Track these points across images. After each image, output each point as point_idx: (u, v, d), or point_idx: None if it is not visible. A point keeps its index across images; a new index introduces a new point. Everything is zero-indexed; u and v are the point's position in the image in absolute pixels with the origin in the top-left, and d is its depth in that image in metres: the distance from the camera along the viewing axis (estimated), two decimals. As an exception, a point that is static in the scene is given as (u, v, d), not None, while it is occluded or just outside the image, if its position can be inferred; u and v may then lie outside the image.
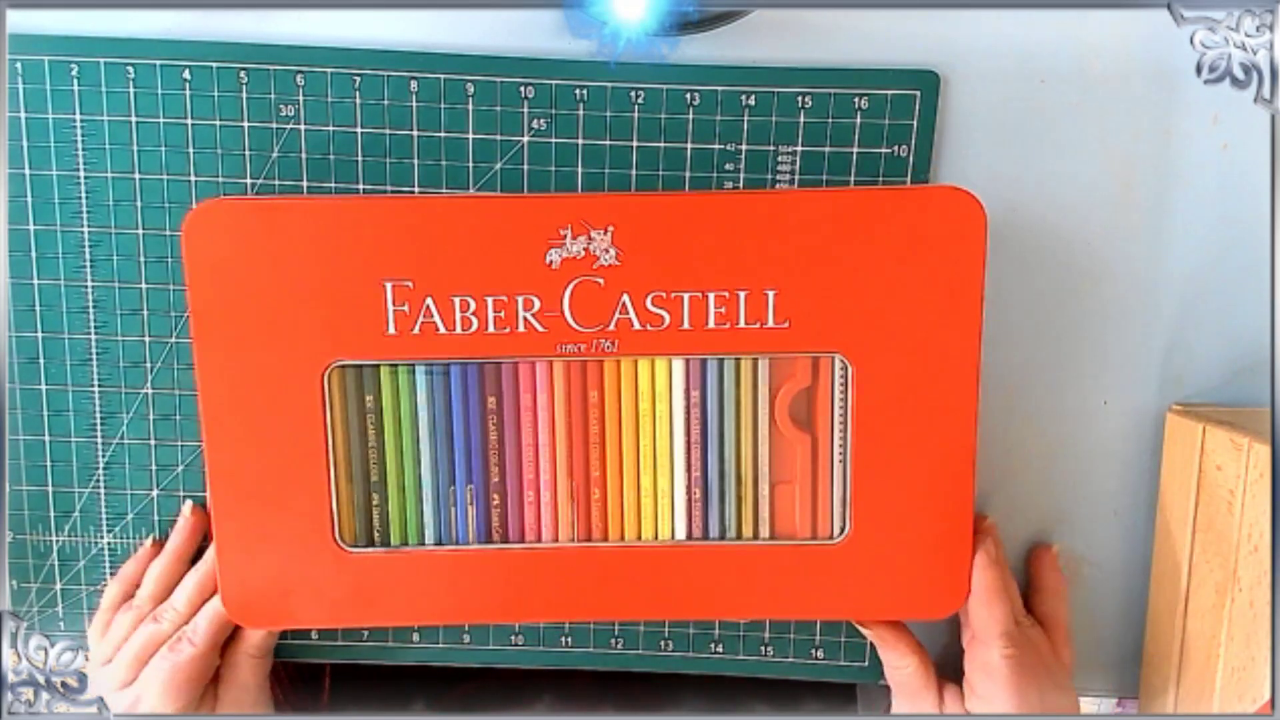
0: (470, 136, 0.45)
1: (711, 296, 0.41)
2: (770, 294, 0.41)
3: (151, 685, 0.43)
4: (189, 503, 0.47)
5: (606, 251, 0.41)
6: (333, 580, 0.43)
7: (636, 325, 0.42)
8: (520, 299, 0.41)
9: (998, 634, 0.42)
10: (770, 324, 0.42)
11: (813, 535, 0.44)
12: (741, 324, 0.42)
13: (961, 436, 0.42)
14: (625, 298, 0.41)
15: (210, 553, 0.44)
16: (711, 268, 0.41)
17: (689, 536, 0.44)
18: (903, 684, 0.45)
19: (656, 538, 0.44)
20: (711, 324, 0.42)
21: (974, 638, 0.43)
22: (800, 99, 0.44)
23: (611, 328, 0.42)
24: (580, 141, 0.45)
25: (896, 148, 0.45)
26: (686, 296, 0.41)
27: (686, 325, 0.42)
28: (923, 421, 0.42)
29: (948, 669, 0.46)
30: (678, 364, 0.43)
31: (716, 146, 0.45)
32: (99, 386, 0.47)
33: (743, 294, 0.41)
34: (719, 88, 0.44)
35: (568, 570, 0.44)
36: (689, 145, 0.45)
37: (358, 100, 0.44)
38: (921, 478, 0.42)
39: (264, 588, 0.43)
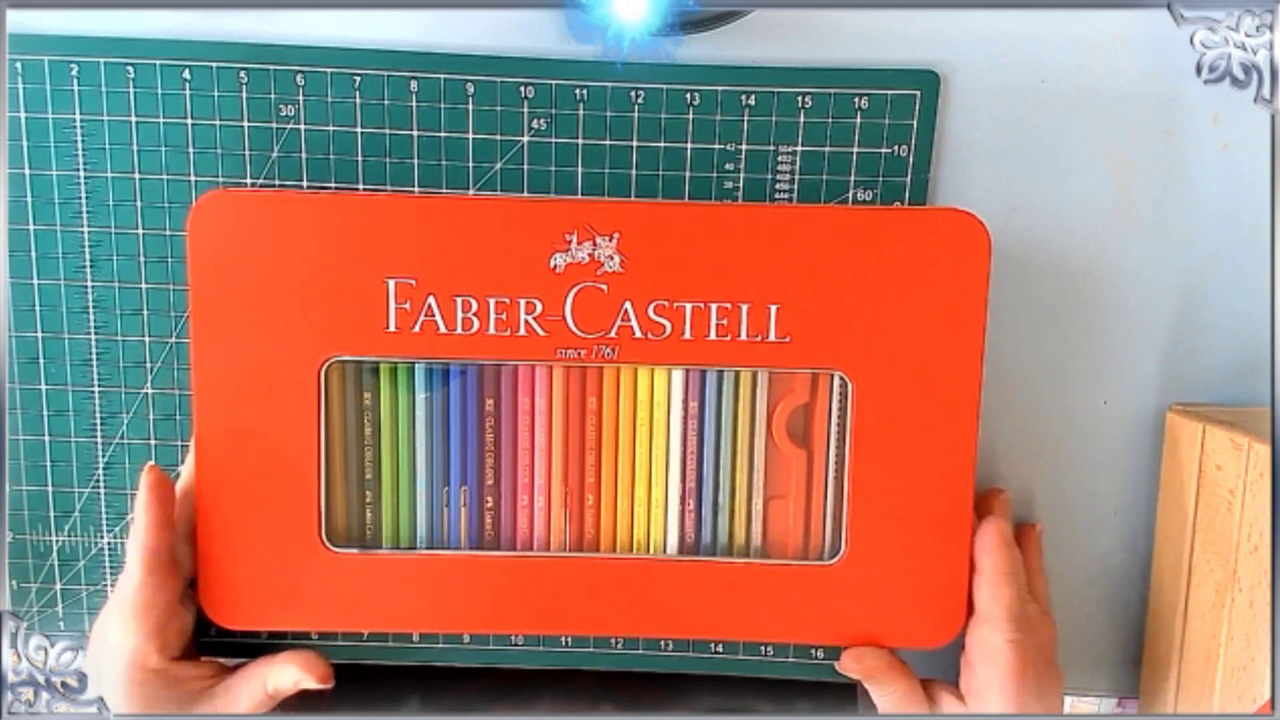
0: (470, 136, 0.45)
1: (714, 308, 0.41)
2: (773, 308, 0.41)
3: (111, 618, 0.41)
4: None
5: (611, 258, 0.41)
6: (318, 581, 0.43)
7: (638, 333, 0.42)
8: (522, 302, 0.41)
9: (1005, 618, 0.41)
10: (771, 338, 0.42)
11: (804, 551, 0.44)
12: (743, 337, 0.42)
13: (960, 459, 0.42)
14: (627, 305, 0.41)
15: (145, 480, 0.42)
16: (715, 279, 0.41)
17: (681, 546, 0.44)
18: (892, 707, 0.44)
19: (649, 546, 0.44)
20: (713, 335, 0.42)
21: (979, 617, 0.43)
22: (800, 99, 0.44)
23: (612, 334, 0.41)
24: (580, 141, 0.45)
25: (896, 148, 0.45)
26: (689, 307, 0.41)
27: (688, 335, 0.41)
28: (921, 443, 0.42)
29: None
30: (677, 374, 0.43)
31: (716, 146, 0.45)
32: (99, 386, 0.47)
33: (745, 307, 0.41)
34: (719, 88, 0.44)
35: (556, 583, 0.43)
36: (689, 145, 0.45)
37: (358, 100, 0.44)
38: (918, 500, 0.42)
39: (246, 586, 0.43)
